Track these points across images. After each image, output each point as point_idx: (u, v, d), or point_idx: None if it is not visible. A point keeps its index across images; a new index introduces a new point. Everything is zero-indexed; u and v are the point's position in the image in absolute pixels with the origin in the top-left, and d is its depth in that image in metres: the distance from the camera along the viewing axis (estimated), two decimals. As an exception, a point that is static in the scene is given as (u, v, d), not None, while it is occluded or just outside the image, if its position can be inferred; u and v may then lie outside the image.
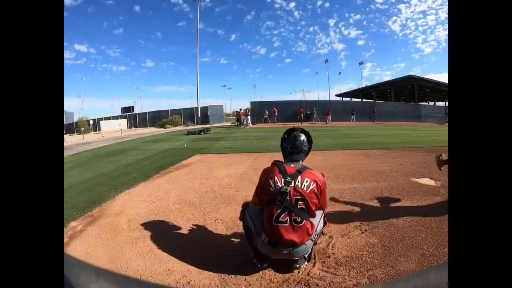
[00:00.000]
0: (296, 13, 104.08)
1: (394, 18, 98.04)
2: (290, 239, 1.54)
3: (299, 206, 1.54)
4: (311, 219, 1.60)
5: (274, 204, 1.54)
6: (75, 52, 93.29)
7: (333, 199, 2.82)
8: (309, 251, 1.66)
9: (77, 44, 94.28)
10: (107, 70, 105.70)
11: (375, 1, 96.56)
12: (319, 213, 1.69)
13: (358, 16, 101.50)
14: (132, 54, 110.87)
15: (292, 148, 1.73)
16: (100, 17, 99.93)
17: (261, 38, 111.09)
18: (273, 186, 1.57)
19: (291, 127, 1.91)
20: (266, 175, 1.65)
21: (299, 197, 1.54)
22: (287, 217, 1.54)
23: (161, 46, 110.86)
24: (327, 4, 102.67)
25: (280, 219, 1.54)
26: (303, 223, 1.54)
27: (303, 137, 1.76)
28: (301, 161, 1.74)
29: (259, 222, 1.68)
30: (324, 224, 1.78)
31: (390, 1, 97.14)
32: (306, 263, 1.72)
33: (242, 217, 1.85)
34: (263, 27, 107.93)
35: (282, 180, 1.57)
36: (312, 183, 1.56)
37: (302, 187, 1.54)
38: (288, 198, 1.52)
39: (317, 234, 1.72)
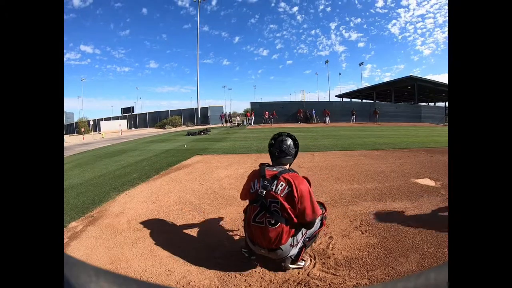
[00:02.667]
0: (298, 17, 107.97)
1: (394, 21, 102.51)
2: (264, 240, 1.62)
3: (272, 209, 1.60)
4: (289, 223, 1.61)
5: (253, 204, 1.68)
6: (80, 53, 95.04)
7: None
8: (294, 254, 1.68)
9: (83, 45, 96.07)
10: (111, 70, 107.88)
11: (375, 6, 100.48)
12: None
13: (359, 20, 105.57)
14: (137, 56, 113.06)
15: (279, 152, 1.78)
16: (107, 19, 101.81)
17: (264, 40, 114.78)
18: (253, 188, 1.70)
19: (279, 132, 1.95)
20: (251, 176, 1.79)
21: (273, 200, 1.61)
22: (263, 218, 1.63)
23: (166, 47, 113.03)
24: (328, 9, 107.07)
25: (257, 220, 1.64)
26: (277, 225, 1.60)
27: (289, 141, 1.82)
28: (288, 164, 1.81)
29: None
30: (321, 226, 1.79)
31: (390, 6, 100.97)
32: (300, 264, 1.73)
33: (245, 211, 1.93)
34: (266, 30, 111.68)
35: (261, 183, 1.67)
36: (287, 187, 1.61)
37: (276, 191, 1.61)
38: (264, 200, 1.63)
39: (308, 238, 1.75)
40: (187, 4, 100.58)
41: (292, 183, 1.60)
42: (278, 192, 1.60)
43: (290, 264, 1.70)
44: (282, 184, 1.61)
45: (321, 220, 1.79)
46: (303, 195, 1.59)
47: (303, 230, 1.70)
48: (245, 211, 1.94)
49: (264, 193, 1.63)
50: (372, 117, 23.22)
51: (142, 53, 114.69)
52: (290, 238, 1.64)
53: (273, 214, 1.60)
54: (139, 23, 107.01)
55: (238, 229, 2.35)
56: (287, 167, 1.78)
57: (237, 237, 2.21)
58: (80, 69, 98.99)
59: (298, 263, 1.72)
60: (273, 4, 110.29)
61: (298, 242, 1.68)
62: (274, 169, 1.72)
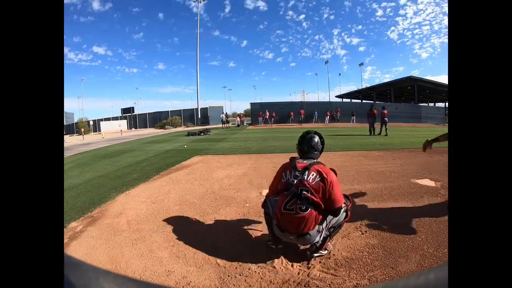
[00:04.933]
0: (304, 24, 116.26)
1: (392, 28, 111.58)
2: (295, 226, 1.75)
3: (303, 196, 1.73)
4: (317, 209, 1.75)
5: (284, 193, 1.81)
6: (92, 54, 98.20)
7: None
8: (319, 241, 1.81)
9: (96, 47, 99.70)
10: (120, 71, 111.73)
11: (375, 15, 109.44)
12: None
13: (360, 27, 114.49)
14: (147, 57, 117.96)
15: (309, 148, 1.97)
16: (124, 23, 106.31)
17: (270, 44, 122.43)
18: (284, 177, 1.85)
19: (307, 130, 2.12)
20: (282, 168, 1.93)
21: (304, 188, 1.74)
22: (294, 205, 1.75)
23: (176, 50, 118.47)
24: (332, 17, 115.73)
25: (288, 207, 1.76)
26: (308, 211, 1.73)
27: (317, 138, 2.02)
28: (316, 159, 1.97)
29: (275, 209, 1.90)
30: (346, 217, 1.91)
31: (389, 15, 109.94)
32: (322, 252, 1.85)
33: (264, 205, 2.06)
34: (273, 35, 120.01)
35: (292, 173, 1.82)
36: (317, 176, 1.76)
37: (308, 179, 1.75)
38: (294, 188, 1.76)
39: (334, 227, 1.87)
40: (202, 11, 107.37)
41: (323, 173, 1.76)
42: (310, 181, 1.74)
43: (314, 253, 1.83)
44: (313, 174, 1.76)
45: (346, 212, 1.91)
46: (333, 184, 1.74)
47: (328, 218, 1.81)
48: (263, 205, 2.08)
49: (295, 182, 1.77)
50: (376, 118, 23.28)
51: (152, 55, 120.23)
52: (318, 225, 1.76)
53: (303, 201, 1.73)
54: (154, 27, 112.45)
55: (236, 233, 2.34)
56: (313, 160, 1.92)
57: (237, 239, 2.21)
58: (90, 70, 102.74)
59: (321, 251, 1.85)
60: (281, 12, 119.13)
61: (323, 229, 1.80)
62: (304, 161, 1.89)
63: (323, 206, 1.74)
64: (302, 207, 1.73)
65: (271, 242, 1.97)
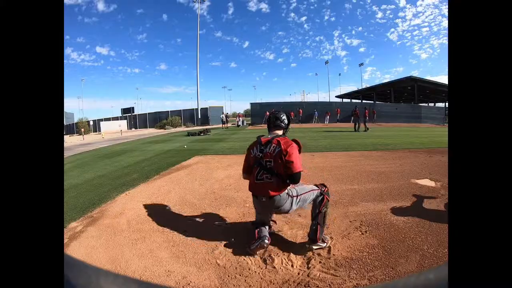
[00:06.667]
0: (305, 25, 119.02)
1: (392, 29, 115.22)
2: (265, 191, 1.97)
3: (268, 166, 1.98)
4: (280, 176, 1.96)
5: (254, 166, 2.05)
6: (95, 55, 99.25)
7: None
8: (293, 209, 2.01)
9: (99, 47, 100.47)
10: (122, 71, 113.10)
11: (375, 17, 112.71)
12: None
13: (360, 28, 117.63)
14: (149, 58, 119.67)
15: (275, 119, 2.18)
16: (127, 23, 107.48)
17: (272, 45, 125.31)
18: (252, 153, 2.11)
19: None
20: (250, 147, 2.18)
21: (268, 159, 1.99)
22: (263, 176, 1.99)
23: (178, 51, 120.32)
24: (333, 19, 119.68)
25: (258, 177, 2.01)
26: (272, 179, 1.96)
27: (282, 114, 2.23)
28: (281, 131, 2.17)
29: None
30: (322, 201, 2.05)
31: (388, 17, 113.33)
32: (322, 244, 1.94)
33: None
34: (274, 36, 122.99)
35: (258, 148, 2.07)
36: (277, 147, 1.98)
37: (270, 151, 2.00)
38: (261, 161, 2.01)
39: (318, 215, 2.01)
40: (205, 13, 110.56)
41: (282, 143, 1.98)
42: (271, 152, 1.98)
43: (313, 246, 1.94)
44: (273, 145, 2.00)
45: (322, 195, 2.06)
46: (289, 152, 1.94)
47: (298, 188, 2.03)
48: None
49: (261, 155, 2.02)
50: (371, 118, 23.34)
51: (155, 56, 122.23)
52: (285, 189, 1.97)
53: (268, 171, 1.97)
54: (158, 28, 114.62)
55: (237, 233, 2.34)
56: (280, 133, 2.14)
57: (237, 239, 2.21)
58: (92, 70, 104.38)
59: (319, 243, 1.94)
60: (283, 14, 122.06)
61: (294, 196, 2.00)
62: (269, 136, 2.12)
63: (283, 172, 1.94)
64: (268, 175, 1.97)
65: (256, 224, 2.10)
